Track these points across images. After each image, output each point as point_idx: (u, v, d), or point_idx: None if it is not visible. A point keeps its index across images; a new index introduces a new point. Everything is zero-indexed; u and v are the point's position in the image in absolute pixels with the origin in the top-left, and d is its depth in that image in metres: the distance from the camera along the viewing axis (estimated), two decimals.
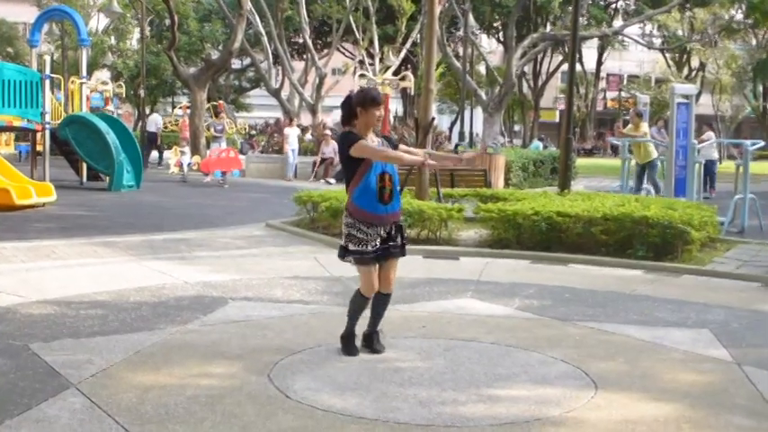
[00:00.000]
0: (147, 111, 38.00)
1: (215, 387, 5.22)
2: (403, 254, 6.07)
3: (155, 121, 33.88)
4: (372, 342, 6.11)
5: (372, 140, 5.87)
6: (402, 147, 6.13)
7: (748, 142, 15.52)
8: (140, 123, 39.35)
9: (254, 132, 41.50)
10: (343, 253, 5.97)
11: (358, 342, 6.10)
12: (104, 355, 5.83)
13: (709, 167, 21.10)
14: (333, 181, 24.26)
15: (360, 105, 5.86)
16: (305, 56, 42.96)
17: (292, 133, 26.67)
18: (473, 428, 4.65)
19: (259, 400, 4.98)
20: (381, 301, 6.09)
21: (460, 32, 43.04)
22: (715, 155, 23.14)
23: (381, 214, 5.83)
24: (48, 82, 19.79)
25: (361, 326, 6.12)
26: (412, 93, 38.77)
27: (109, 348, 6.02)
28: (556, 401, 5.10)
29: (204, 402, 4.91)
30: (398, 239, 5.98)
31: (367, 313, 6.13)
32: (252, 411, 4.79)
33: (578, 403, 5.08)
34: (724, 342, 6.67)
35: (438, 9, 14.89)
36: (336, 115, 48.20)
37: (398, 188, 5.99)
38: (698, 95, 16.97)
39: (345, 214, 5.94)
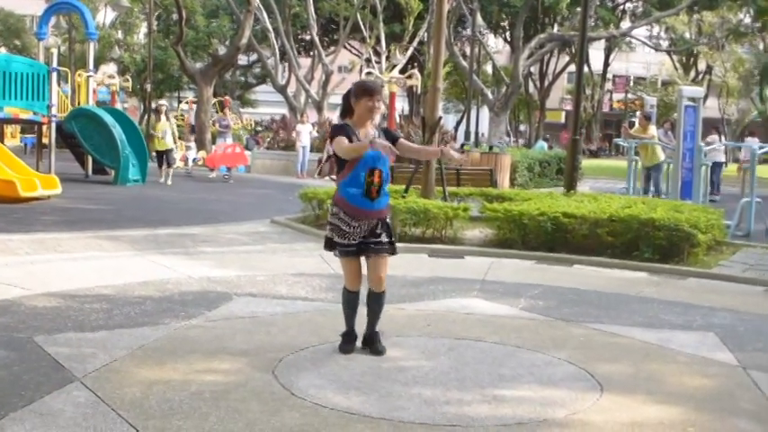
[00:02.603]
0: (153, 105, 38.00)
1: (219, 383, 5.20)
2: (392, 252, 5.96)
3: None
4: (373, 342, 6.03)
5: (367, 134, 5.79)
6: (404, 142, 6.02)
7: (756, 146, 15.48)
8: (146, 117, 39.40)
9: (259, 128, 41.51)
10: (329, 245, 5.96)
11: (358, 342, 6.08)
12: (109, 349, 5.81)
13: (715, 170, 21.06)
14: None
15: (354, 97, 5.84)
16: (312, 53, 42.92)
17: (304, 130, 26.49)
18: (477, 429, 4.63)
19: (263, 397, 4.97)
20: (374, 299, 6.01)
21: (468, 32, 43.02)
22: (721, 158, 23.09)
23: (367, 209, 5.78)
24: (55, 75, 19.79)
25: (362, 326, 6.10)
26: (418, 91, 38.78)
27: (113, 342, 6.01)
28: (561, 403, 5.08)
29: (208, 398, 4.90)
30: (383, 237, 5.88)
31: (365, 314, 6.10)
32: (256, 408, 4.78)
33: (584, 405, 5.06)
34: (730, 346, 6.65)
35: (446, 8, 14.85)
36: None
37: (387, 185, 5.90)
38: (704, 98, 16.92)
39: (331, 204, 5.97)
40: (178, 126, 39.46)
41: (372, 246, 5.86)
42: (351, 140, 5.72)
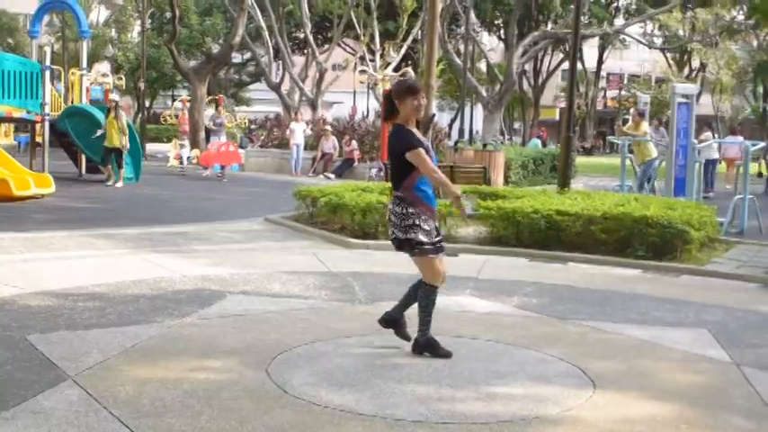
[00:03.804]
0: (147, 103, 38.00)
1: (212, 381, 5.20)
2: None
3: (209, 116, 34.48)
4: (398, 326, 6.13)
5: (420, 139, 5.82)
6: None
7: (749, 143, 15.50)
8: (140, 116, 39.34)
9: (253, 127, 41.47)
10: (412, 246, 5.81)
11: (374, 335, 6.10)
12: (102, 348, 5.81)
13: (708, 168, 21.10)
14: (332, 176, 24.24)
15: (397, 98, 5.83)
16: (305, 51, 42.92)
17: (298, 128, 26.48)
18: (471, 426, 4.63)
19: (256, 395, 4.97)
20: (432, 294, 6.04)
21: (461, 29, 43.03)
22: (715, 155, 23.13)
23: (435, 207, 5.89)
24: (48, 73, 19.75)
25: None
26: None
27: (106, 341, 6.00)
28: (554, 400, 5.09)
29: (201, 396, 4.90)
30: (442, 233, 6.08)
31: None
32: (249, 406, 4.78)
33: (576, 402, 5.07)
34: (722, 342, 6.66)
35: (439, 6, 14.85)
36: (336, 110, 48.28)
37: None
38: (698, 96, 16.96)
39: (404, 206, 5.77)
40: (171, 125, 39.42)
41: (443, 244, 5.97)
42: (426, 152, 5.77)
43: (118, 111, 19.44)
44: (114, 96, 21.70)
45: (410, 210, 5.77)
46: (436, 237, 5.85)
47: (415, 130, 5.82)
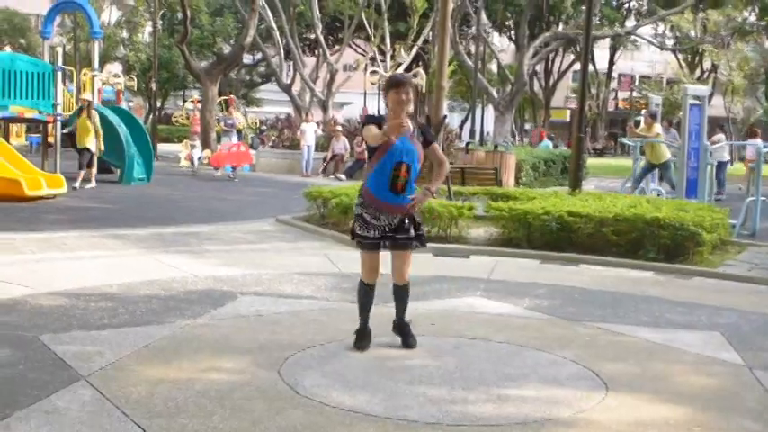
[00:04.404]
0: (158, 104, 38.09)
1: (224, 381, 5.21)
2: (421, 244, 6.05)
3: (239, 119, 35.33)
4: (404, 334, 6.15)
5: (409, 128, 5.78)
6: (436, 149, 6.06)
7: (761, 143, 15.44)
8: (151, 116, 39.44)
9: (264, 127, 41.55)
10: (352, 235, 6.05)
11: (386, 336, 6.12)
12: (114, 348, 5.82)
13: (720, 169, 21.02)
14: (343, 177, 24.23)
15: (384, 92, 5.96)
16: (316, 51, 42.95)
17: (309, 129, 26.48)
18: (482, 428, 4.63)
19: (269, 396, 4.97)
20: (396, 293, 6.14)
21: (472, 30, 43.00)
22: (726, 157, 23.04)
23: (390, 203, 5.81)
24: (60, 74, 19.79)
25: (377, 319, 6.11)
26: (423, 90, 38.81)
27: (119, 341, 6.02)
28: (566, 402, 5.08)
29: (214, 397, 4.91)
30: (411, 231, 5.93)
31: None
32: (261, 406, 4.78)
33: (589, 404, 5.06)
34: (735, 345, 6.63)
35: (451, 6, 14.85)
36: (347, 111, 48.26)
37: (414, 181, 5.90)
38: (710, 97, 16.90)
39: (358, 194, 6.00)
40: (183, 126, 39.54)
41: (400, 240, 5.91)
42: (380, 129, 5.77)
43: (90, 110, 18.64)
44: (87, 95, 20.45)
45: (358, 199, 5.96)
46: (382, 232, 5.85)
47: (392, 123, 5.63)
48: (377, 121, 5.87)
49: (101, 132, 18.75)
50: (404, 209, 5.85)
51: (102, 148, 19.00)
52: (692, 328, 7.26)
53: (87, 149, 18.42)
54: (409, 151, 5.77)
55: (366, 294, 6.08)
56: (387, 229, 5.87)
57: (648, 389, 5.41)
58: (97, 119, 18.71)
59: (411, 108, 5.94)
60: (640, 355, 6.27)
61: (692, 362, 6.17)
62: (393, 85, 5.84)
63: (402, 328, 6.18)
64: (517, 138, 48.10)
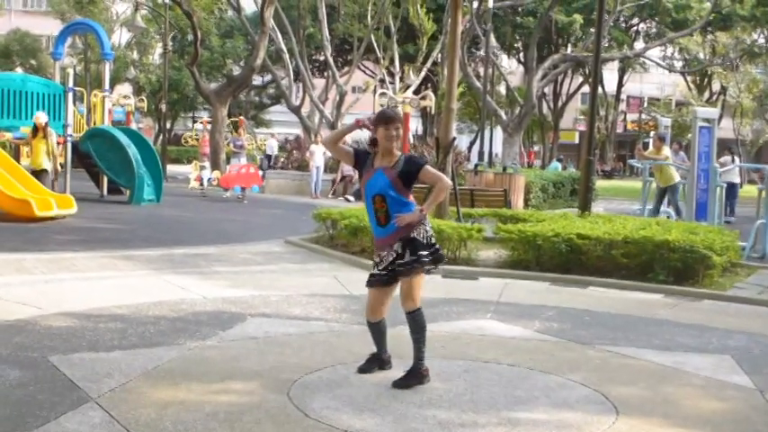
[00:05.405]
0: (168, 125, 38.23)
1: (234, 404, 5.20)
2: (422, 265, 5.71)
3: (271, 146, 37.75)
4: (405, 376, 5.76)
5: (391, 162, 5.76)
6: (429, 170, 5.85)
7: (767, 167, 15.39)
8: (161, 137, 39.58)
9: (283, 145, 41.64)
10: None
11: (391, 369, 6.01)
12: (123, 370, 5.82)
13: (731, 192, 20.95)
14: (352, 198, 24.24)
15: (374, 125, 5.84)
16: (326, 73, 43.03)
17: (318, 150, 26.48)
18: None
19: (278, 419, 4.96)
20: (408, 322, 5.79)
21: (481, 52, 43.10)
22: (736, 179, 22.98)
23: (381, 237, 5.80)
24: (70, 95, 19.92)
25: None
26: (432, 112, 38.77)
27: (128, 362, 6.01)
28: (577, 426, 5.05)
29: (223, 419, 4.90)
30: (407, 256, 5.70)
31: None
32: (271, 430, 4.77)
33: (599, 428, 5.03)
34: (746, 369, 6.60)
35: (460, 29, 14.90)
36: (356, 134, 48.36)
37: (396, 209, 5.70)
38: (719, 119, 16.88)
39: None
40: (192, 147, 39.62)
41: (398, 268, 5.74)
42: (358, 161, 5.94)
43: (47, 130, 17.22)
44: (41, 114, 17.90)
45: None
46: (380, 268, 5.82)
47: (385, 159, 5.77)
48: (363, 157, 5.93)
49: (57, 153, 17.70)
50: (394, 236, 5.71)
51: (59, 168, 18.14)
52: (702, 351, 7.23)
53: (45, 171, 17.15)
54: (379, 182, 5.73)
55: (371, 329, 6.02)
56: (390, 264, 5.78)
57: (659, 413, 5.38)
58: (54, 138, 17.43)
59: (399, 144, 5.90)
60: (651, 378, 6.24)
61: (702, 385, 6.14)
62: (383, 122, 5.79)
63: (409, 371, 5.77)
64: (525, 159, 48.07)
